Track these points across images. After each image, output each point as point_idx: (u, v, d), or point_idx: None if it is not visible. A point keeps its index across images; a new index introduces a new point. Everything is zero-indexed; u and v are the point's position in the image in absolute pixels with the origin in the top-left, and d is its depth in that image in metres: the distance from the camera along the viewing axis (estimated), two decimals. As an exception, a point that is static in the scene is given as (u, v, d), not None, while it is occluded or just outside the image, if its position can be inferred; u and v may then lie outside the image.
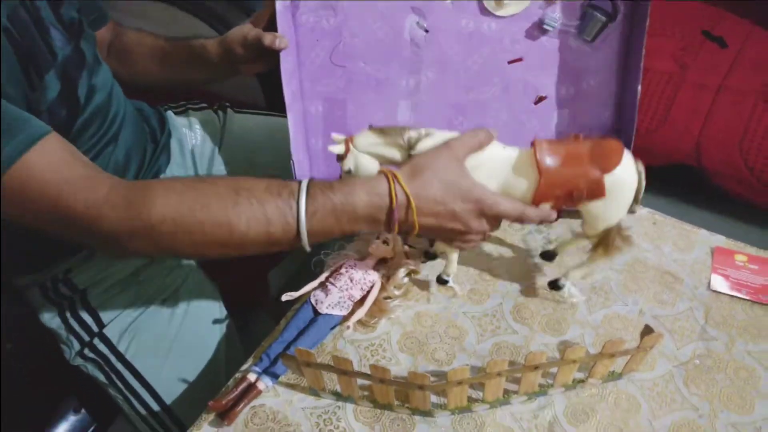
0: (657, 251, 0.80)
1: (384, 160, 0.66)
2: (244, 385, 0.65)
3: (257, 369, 0.67)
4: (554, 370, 0.63)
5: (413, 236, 0.64)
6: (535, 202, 0.63)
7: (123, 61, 0.91)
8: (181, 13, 1.29)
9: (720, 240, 0.81)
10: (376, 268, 0.74)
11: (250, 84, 1.74)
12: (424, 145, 0.64)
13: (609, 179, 0.61)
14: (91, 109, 0.74)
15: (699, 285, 0.76)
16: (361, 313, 0.71)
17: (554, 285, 0.74)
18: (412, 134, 0.64)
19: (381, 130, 0.65)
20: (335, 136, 0.66)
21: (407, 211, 0.61)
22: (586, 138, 0.63)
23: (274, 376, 0.66)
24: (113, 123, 0.79)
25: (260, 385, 0.66)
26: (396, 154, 0.65)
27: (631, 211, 0.64)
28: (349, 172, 0.66)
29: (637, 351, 0.62)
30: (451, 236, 0.66)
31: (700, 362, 0.68)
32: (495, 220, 0.65)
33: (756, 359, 0.68)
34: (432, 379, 0.59)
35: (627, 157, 0.62)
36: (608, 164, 0.60)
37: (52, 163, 0.57)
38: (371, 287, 0.72)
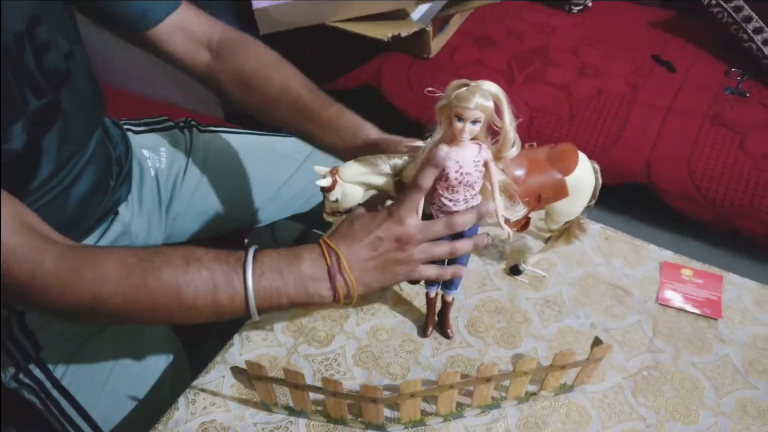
0: (608, 266, 0.82)
1: (372, 188, 0.65)
2: None
3: None
4: (507, 382, 0.64)
5: (355, 296, 0.63)
6: None
7: (248, 94, 0.79)
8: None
9: (668, 255, 0.84)
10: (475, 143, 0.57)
11: (209, 96, 1.72)
12: (410, 171, 0.62)
13: (570, 180, 0.65)
14: (57, 161, 0.71)
15: (648, 298, 0.78)
16: (501, 205, 0.60)
17: (515, 270, 0.79)
18: (398, 161, 0.63)
19: (366, 160, 0.63)
20: (318, 168, 0.64)
21: (340, 267, 0.62)
22: (539, 146, 0.67)
23: None
24: (78, 162, 0.75)
25: None
26: (382, 181, 0.64)
27: (588, 206, 0.69)
28: (336, 201, 0.64)
29: (587, 363, 0.63)
30: (395, 266, 0.63)
31: (648, 374, 0.69)
32: (422, 233, 0.62)
33: (700, 370, 0.70)
34: (385, 392, 0.59)
35: (582, 157, 0.66)
36: (568, 166, 0.65)
37: None
38: (485, 169, 0.58)
